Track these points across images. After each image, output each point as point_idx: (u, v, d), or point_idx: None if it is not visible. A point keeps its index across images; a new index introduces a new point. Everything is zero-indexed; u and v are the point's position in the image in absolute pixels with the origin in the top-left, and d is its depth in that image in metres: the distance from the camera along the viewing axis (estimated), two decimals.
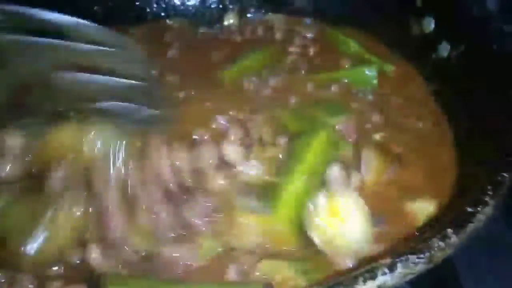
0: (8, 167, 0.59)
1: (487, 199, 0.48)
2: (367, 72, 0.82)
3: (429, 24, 0.83)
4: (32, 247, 0.54)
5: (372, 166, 0.66)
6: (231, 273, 0.54)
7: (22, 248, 0.53)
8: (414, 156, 0.68)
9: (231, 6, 1.02)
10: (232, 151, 0.63)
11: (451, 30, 0.79)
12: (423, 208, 0.61)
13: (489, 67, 0.68)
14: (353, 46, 0.89)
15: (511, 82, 0.63)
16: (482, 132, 0.63)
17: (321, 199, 0.57)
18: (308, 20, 0.99)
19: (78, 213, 0.56)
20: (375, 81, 0.81)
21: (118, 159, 0.58)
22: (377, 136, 0.71)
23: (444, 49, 0.79)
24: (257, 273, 0.54)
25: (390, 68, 0.85)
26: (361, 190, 0.62)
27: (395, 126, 0.73)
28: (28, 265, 0.54)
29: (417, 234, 0.55)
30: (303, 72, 0.84)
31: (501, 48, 0.68)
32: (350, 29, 0.93)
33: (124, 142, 0.58)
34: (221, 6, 1.03)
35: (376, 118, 0.74)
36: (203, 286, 0.54)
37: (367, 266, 0.42)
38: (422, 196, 0.62)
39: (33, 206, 0.56)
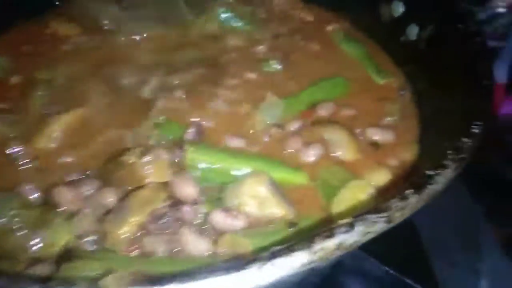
0: None
1: (446, 162, 0.49)
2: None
3: (398, 8, 0.84)
4: None
5: (342, 143, 0.67)
6: None
7: None
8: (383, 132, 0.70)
9: None
10: None
11: (419, 12, 0.80)
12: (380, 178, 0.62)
13: (454, 45, 0.70)
14: (356, 49, 0.87)
15: (473, 58, 0.64)
16: (445, 106, 0.64)
17: None
18: None
19: None
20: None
21: None
22: (323, 112, 0.72)
23: (413, 31, 0.80)
24: (222, 247, 0.55)
25: (380, 81, 0.81)
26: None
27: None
28: None
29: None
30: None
31: (465, 26, 0.69)
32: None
33: None
34: None
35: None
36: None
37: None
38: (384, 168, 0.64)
39: None
